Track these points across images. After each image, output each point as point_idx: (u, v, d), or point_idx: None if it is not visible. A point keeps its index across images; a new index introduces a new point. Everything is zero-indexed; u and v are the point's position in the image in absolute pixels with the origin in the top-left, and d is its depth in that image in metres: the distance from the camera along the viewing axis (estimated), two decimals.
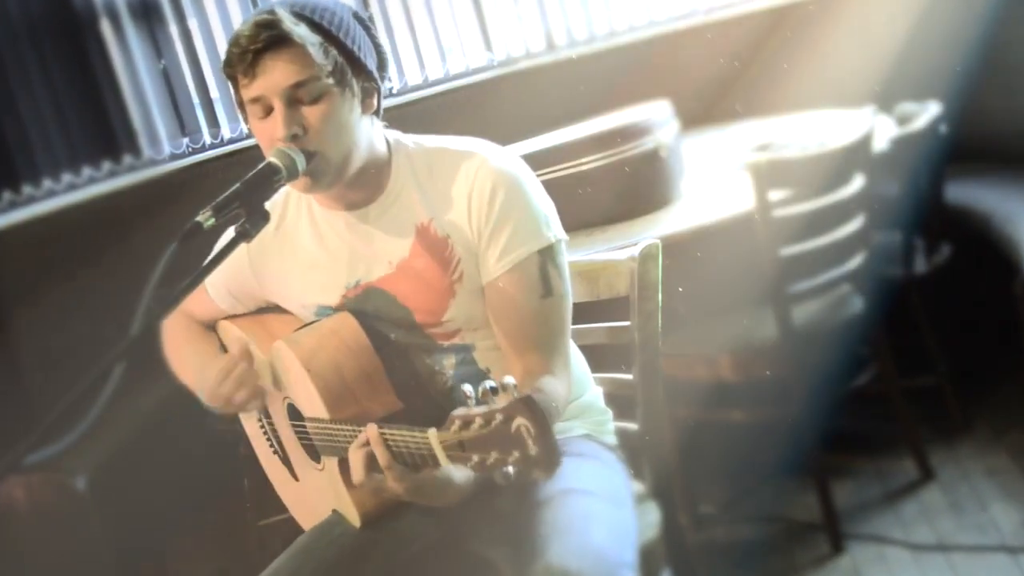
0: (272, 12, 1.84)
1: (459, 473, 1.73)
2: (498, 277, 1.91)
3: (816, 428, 3.10)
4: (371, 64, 1.91)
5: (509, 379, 1.49)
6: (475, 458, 1.49)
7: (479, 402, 1.51)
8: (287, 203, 2.05)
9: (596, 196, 2.97)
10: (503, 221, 1.89)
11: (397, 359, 1.96)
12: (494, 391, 1.49)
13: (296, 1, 1.87)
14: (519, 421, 1.44)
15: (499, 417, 1.46)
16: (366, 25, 1.95)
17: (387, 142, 1.99)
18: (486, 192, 1.89)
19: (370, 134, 1.94)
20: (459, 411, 1.52)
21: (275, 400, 2.08)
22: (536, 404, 1.45)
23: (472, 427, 1.49)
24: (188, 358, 2.19)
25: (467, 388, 1.52)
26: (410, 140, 2.00)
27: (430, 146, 1.99)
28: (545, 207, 1.95)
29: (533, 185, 1.95)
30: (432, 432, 1.56)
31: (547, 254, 1.91)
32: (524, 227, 1.90)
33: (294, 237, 2.04)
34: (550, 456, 1.44)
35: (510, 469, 1.46)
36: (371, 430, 1.69)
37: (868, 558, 3.05)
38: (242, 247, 1.97)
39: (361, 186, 1.95)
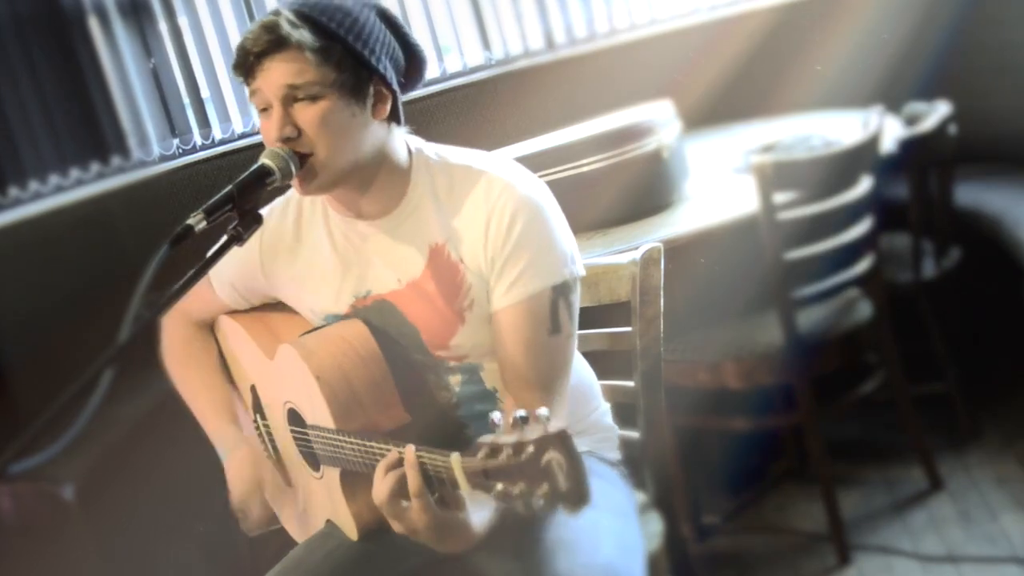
0: (276, 14, 1.83)
1: (477, 517, 1.71)
2: (506, 308, 1.88)
3: (822, 436, 3.10)
4: (386, 67, 1.88)
5: (543, 411, 1.47)
6: (499, 487, 1.48)
7: (507, 431, 1.49)
8: (303, 202, 2.03)
9: (597, 198, 2.96)
10: (519, 251, 1.86)
11: (405, 371, 1.95)
12: (524, 420, 1.48)
13: (307, 1, 1.86)
14: (551, 455, 1.43)
15: (530, 448, 1.44)
16: (395, 25, 1.92)
17: (409, 151, 1.96)
18: (505, 219, 1.86)
19: (383, 141, 1.91)
20: (487, 438, 1.50)
21: (275, 403, 2.08)
22: (570, 440, 1.44)
23: (500, 456, 1.47)
24: (195, 388, 2.22)
25: (495, 416, 1.51)
26: (433, 151, 1.97)
27: (454, 162, 1.95)
28: (566, 241, 1.91)
29: (556, 216, 1.92)
30: (455, 457, 1.55)
31: (561, 291, 1.88)
32: (541, 260, 1.87)
33: (308, 239, 2.03)
34: (580, 492, 1.43)
35: (536, 501, 1.45)
36: (409, 453, 1.65)
37: (875, 569, 3.06)
38: (254, 243, 1.97)
39: (376, 195, 1.93)
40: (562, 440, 1.43)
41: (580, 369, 2.11)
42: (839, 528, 3.11)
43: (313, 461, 2.01)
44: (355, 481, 1.89)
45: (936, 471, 3.34)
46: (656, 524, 2.20)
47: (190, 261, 2.00)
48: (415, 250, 1.93)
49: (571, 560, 1.79)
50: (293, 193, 2.00)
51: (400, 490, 1.66)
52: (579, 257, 1.94)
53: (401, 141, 1.95)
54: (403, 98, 1.96)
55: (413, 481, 1.64)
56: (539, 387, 1.88)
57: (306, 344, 1.94)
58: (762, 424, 3.29)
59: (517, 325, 1.88)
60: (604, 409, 2.16)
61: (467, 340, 1.93)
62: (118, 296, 1.73)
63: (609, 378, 2.24)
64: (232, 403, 2.21)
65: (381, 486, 1.68)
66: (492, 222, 1.87)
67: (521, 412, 1.48)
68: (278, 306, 2.15)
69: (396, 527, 1.70)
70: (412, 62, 1.96)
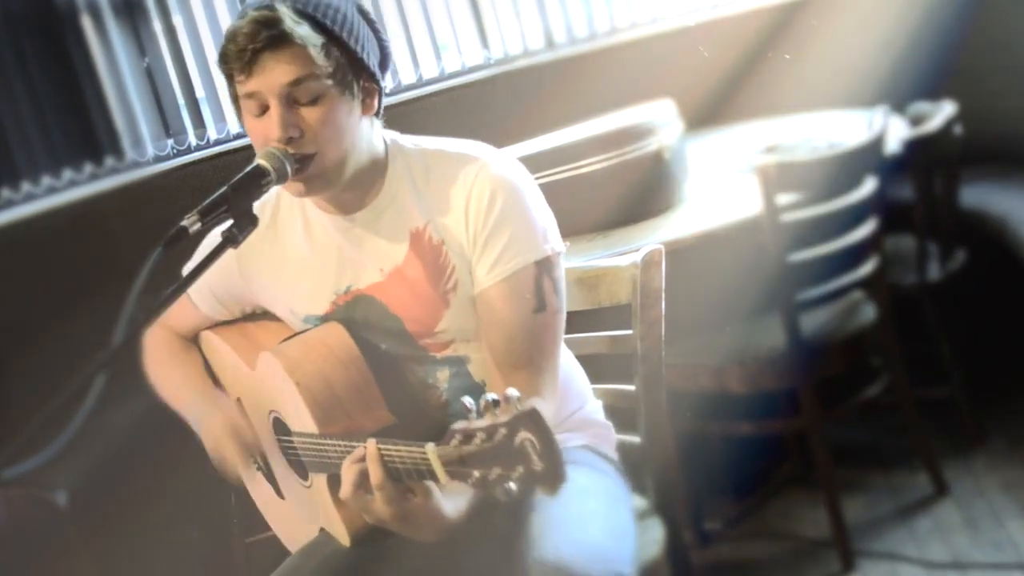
0: (272, 8, 1.82)
1: (451, 504, 1.72)
2: (489, 287, 1.90)
3: (826, 441, 3.10)
4: (373, 63, 1.91)
5: (512, 391, 1.47)
6: (476, 474, 1.48)
7: (480, 415, 1.50)
8: (280, 201, 2.04)
9: (597, 199, 2.97)
10: (499, 229, 1.88)
11: (389, 371, 1.95)
12: (495, 403, 1.48)
13: None
14: (523, 435, 1.43)
15: (503, 431, 1.45)
16: (370, 20, 1.94)
17: (384, 142, 1.98)
18: (484, 198, 1.88)
19: (369, 135, 1.93)
20: (459, 424, 1.51)
21: (260, 414, 2.08)
22: (541, 418, 1.44)
23: (474, 441, 1.48)
24: (175, 381, 2.21)
25: (467, 401, 1.51)
26: (408, 141, 2.00)
27: (429, 148, 1.98)
28: (544, 217, 1.94)
29: (533, 194, 1.94)
30: (431, 447, 1.55)
31: (543, 266, 1.90)
32: (521, 237, 1.89)
33: (286, 238, 2.04)
34: (556, 471, 1.43)
35: (512, 485, 1.45)
36: (370, 446, 1.67)
37: None
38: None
39: (356, 188, 1.94)
40: (533, 419, 1.44)
41: (565, 365, 2.11)
42: (843, 534, 3.11)
43: (301, 470, 2.01)
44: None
45: (941, 476, 3.34)
46: (657, 530, 2.20)
47: (185, 263, 2.01)
48: (397, 237, 1.94)
49: (558, 540, 1.80)
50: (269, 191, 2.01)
51: (362, 483, 1.69)
52: (557, 233, 1.95)
53: (379, 133, 1.98)
54: (398, 98, 1.98)
55: (374, 474, 1.67)
56: (527, 366, 1.89)
57: (285, 351, 1.94)
58: (765, 428, 3.29)
59: (502, 304, 1.89)
60: (595, 405, 2.17)
61: (452, 324, 1.94)
62: (112, 299, 1.73)
63: (609, 382, 2.24)
64: (213, 392, 2.20)
65: (344, 479, 1.71)
66: (472, 201, 1.89)
67: (492, 395, 1.48)
68: (258, 317, 2.16)
69: (367, 518, 1.73)
70: (383, 57, 1.98)
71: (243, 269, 2.08)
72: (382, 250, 1.95)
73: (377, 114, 1.96)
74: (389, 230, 1.95)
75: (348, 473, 1.70)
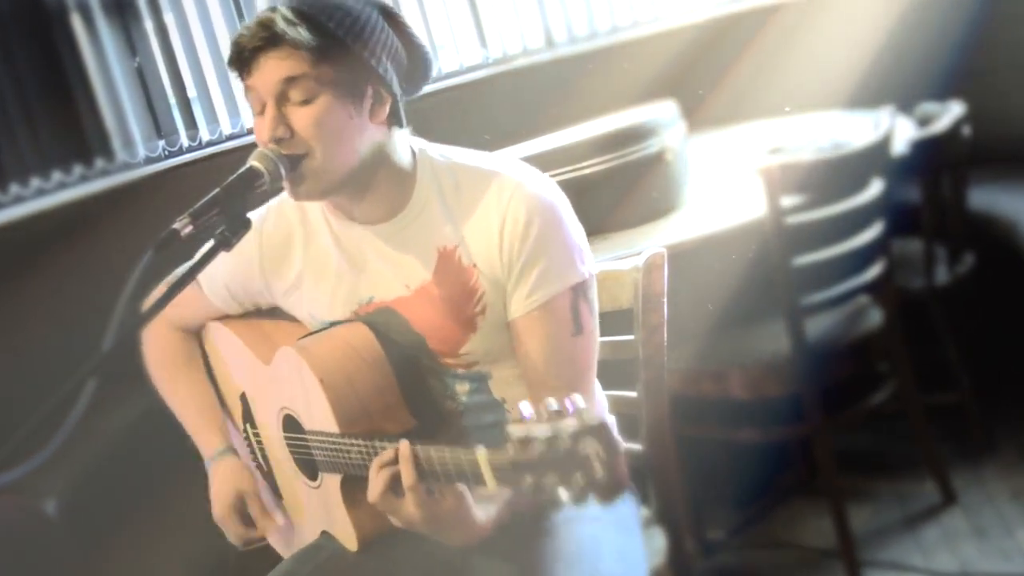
0: (274, 9, 1.83)
1: (481, 510, 1.73)
2: (527, 314, 1.88)
3: (831, 448, 3.10)
4: (386, 68, 1.87)
5: (579, 401, 1.46)
6: (528, 479, 1.47)
7: (538, 423, 1.48)
8: (309, 204, 2.02)
9: (597, 202, 2.97)
10: (537, 255, 1.86)
11: (410, 375, 1.95)
12: (558, 412, 1.46)
13: None
14: (591, 446, 1.42)
15: (567, 440, 1.43)
16: (399, 24, 1.92)
17: (413, 152, 1.96)
18: (520, 222, 1.86)
19: (381, 144, 1.89)
20: (516, 430, 1.49)
21: (269, 411, 2.08)
22: (609, 430, 1.43)
23: (533, 449, 1.46)
24: (180, 396, 2.24)
25: (524, 408, 1.49)
26: (438, 152, 1.97)
27: (460, 161, 1.95)
28: (579, 239, 1.92)
29: (568, 214, 1.92)
30: (482, 450, 1.55)
31: (579, 290, 1.89)
32: (558, 262, 1.88)
33: (313, 241, 2.02)
34: (618, 482, 1.42)
35: (567, 492, 1.44)
36: (403, 447, 1.68)
37: None
38: (253, 243, 1.97)
39: (378, 199, 1.92)
40: (602, 430, 1.43)
41: None
42: (849, 543, 3.11)
43: (309, 469, 2.01)
44: (357, 487, 1.89)
45: (949, 484, 3.34)
46: (659, 539, 2.20)
47: (176, 266, 2.01)
48: (423, 254, 1.92)
49: (571, 573, 1.80)
50: None
51: (394, 485, 1.70)
52: (590, 253, 1.94)
53: (403, 143, 1.94)
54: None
55: (407, 475, 1.67)
56: (565, 388, 1.85)
57: (308, 347, 1.93)
58: (769, 435, 3.28)
59: (540, 330, 1.88)
60: (610, 421, 2.15)
61: (479, 347, 1.93)
62: (102, 303, 1.73)
63: (611, 388, 2.24)
64: (219, 410, 2.23)
65: (375, 482, 1.71)
66: (507, 225, 1.87)
67: (554, 403, 1.47)
68: (272, 312, 2.15)
69: (395, 521, 1.74)
70: (416, 63, 1.95)
71: (265, 269, 2.07)
72: (408, 265, 1.93)
73: (397, 123, 1.93)
74: (416, 245, 1.93)
75: (379, 475, 1.71)
